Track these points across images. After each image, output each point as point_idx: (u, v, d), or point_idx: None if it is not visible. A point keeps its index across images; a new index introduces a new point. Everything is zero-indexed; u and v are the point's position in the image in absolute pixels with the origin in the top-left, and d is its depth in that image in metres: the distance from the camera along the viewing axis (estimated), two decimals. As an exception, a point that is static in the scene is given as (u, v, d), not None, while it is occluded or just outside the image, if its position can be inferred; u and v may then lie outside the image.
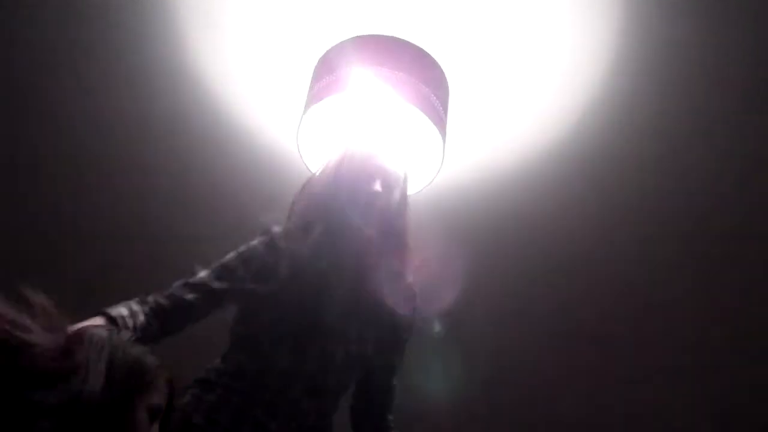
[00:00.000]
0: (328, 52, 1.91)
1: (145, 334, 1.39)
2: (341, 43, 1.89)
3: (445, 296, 2.33)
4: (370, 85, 1.76)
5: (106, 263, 2.64)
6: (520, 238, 2.50)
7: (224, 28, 2.07)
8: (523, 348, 2.78)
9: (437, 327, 2.44)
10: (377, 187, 1.57)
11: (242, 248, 1.58)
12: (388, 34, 1.94)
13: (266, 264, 1.55)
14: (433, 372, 2.53)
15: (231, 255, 1.57)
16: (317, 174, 1.69)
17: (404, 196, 1.65)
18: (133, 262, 2.60)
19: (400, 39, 1.91)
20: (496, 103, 2.18)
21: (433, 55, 1.94)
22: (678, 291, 2.59)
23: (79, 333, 1.21)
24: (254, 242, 1.59)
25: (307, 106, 1.84)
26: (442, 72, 1.94)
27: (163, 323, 1.46)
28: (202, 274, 1.53)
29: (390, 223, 1.60)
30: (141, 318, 1.42)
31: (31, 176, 2.48)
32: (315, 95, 1.81)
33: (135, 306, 1.43)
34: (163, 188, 2.46)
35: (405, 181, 1.66)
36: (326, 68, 1.85)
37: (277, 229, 1.61)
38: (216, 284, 1.51)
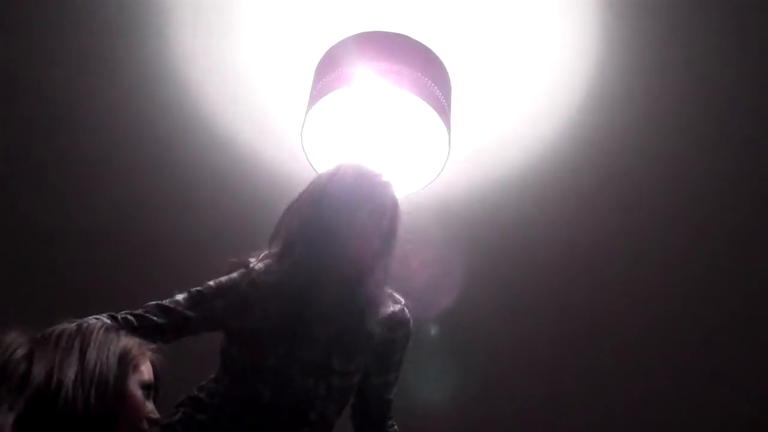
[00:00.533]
0: (330, 50, 1.90)
1: None
2: (343, 40, 1.88)
3: (445, 296, 2.33)
4: (373, 80, 1.75)
5: (105, 266, 2.63)
6: (520, 237, 2.48)
7: (227, 25, 2.06)
8: (523, 348, 2.77)
9: (436, 326, 2.45)
10: (364, 216, 1.52)
11: (222, 279, 1.56)
12: (390, 31, 1.93)
13: (244, 297, 1.52)
14: (431, 372, 2.52)
15: (209, 284, 1.55)
16: (304, 195, 1.62)
17: (395, 220, 1.57)
18: (134, 264, 2.59)
19: (402, 35, 1.91)
20: (496, 102, 2.17)
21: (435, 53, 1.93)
22: (679, 290, 2.58)
23: (44, 334, 1.27)
24: (234, 275, 1.56)
25: (311, 103, 1.83)
26: (444, 68, 1.94)
27: None
28: (179, 297, 1.52)
29: (377, 251, 1.54)
30: None
31: (30, 180, 2.47)
32: (319, 92, 1.81)
33: (106, 320, 1.42)
34: (165, 185, 2.44)
35: (395, 207, 1.58)
36: (329, 65, 1.85)
37: (254, 261, 1.57)
38: (188, 312, 1.49)
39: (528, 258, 2.52)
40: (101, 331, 1.29)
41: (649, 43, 2.00)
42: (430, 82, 1.76)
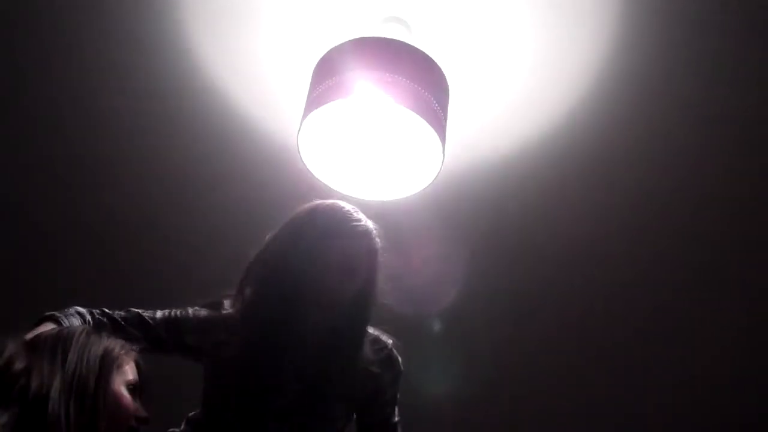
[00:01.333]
0: (327, 54, 1.90)
1: None
2: (341, 45, 1.87)
3: (445, 295, 2.33)
4: (370, 90, 1.75)
5: (106, 264, 2.66)
6: (520, 237, 2.51)
7: (227, 29, 2.08)
8: (523, 347, 2.80)
9: (436, 326, 2.44)
10: (334, 272, 1.46)
11: (199, 315, 1.55)
12: (387, 37, 1.93)
13: (216, 341, 1.52)
14: (432, 371, 2.52)
15: (188, 314, 1.54)
16: (275, 241, 1.55)
17: (371, 270, 1.51)
18: (134, 264, 2.61)
19: (401, 42, 1.90)
20: (495, 102, 2.18)
21: (431, 55, 1.91)
22: (678, 288, 2.60)
23: (32, 342, 1.29)
24: (207, 316, 1.55)
25: (308, 110, 1.83)
26: (442, 74, 1.93)
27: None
28: (158, 315, 1.53)
29: (351, 301, 1.50)
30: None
31: (34, 177, 2.49)
32: (315, 99, 1.81)
33: (87, 317, 1.45)
34: (163, 193, 2.47)
35: (372, 255, 1.51)
36: (326, 71, 1.84)
37: (227, 303, 1.56)
38: (163, 334, 1.51)
39: (528, 254, 2.54)
40: (82, 335, 1.31)
41: (648, 37, 2.01)
42: (427, 93, 1.76)
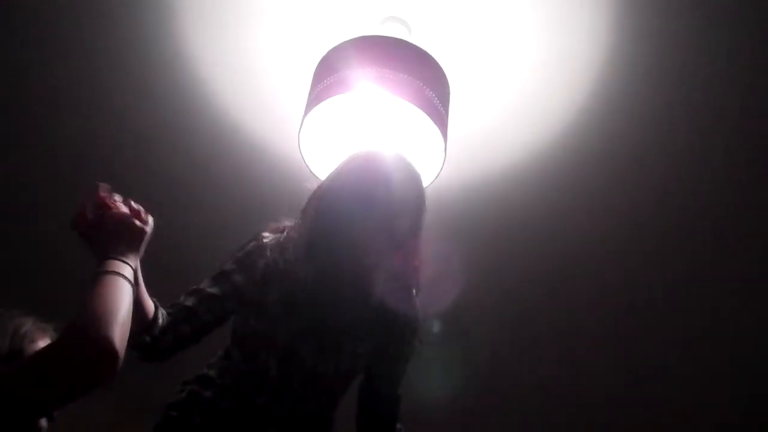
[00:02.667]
0: (328, 53, 1.91)
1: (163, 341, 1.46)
2: (342, 43, 1.89)
3: (446, 296, 2.33)
4: (371, 86, 1.76)
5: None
6: (520, 237, 2.51)
7: (225, 30, 2.08)
8: (523, 347, 2.79)
9: (437, 327, 2.44)
10: (379, 192, 1.52)
11: (239, 254, 1.58)
12: (388, 35, 1.95)
13: (263, 273, 1.54)
14: (432, 372, 2.51)
15: (228, 261, 1.57)
16: (325, 179, 1.65)
17: (416, 198, 1.60)
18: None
19: (400, 39, 1.92)
20: (496, 102, 2.19)
21: (432, 55, 1.93)
22: (679, 289, 2.60)
23: None
24: (252, 250, 1.58)
25: (309, 107, 1.84)
26: (442, 72, 1.94)
27: (175, 331, 1.49)
28: (204, 282, 1.55)
29: (393, 229, 1.56)
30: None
31: (32, 177, 2.50)
32: (316, 96, 1.81)
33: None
34: (164, 189, 2.46)
35: (416, 181, 1.61)
36: (327, 69, 1.85)
37: (272, 236, 1.59)
38: (212, 290, 1.52)
39: (529, 255, 2.54)
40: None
41: (654, 38, 2.01)
42: (428, 89, 1.77)
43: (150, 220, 1.33)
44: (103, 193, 1.29)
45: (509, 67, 2.10)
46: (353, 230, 1.53)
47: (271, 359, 1.50)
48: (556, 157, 2.30)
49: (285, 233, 1.60)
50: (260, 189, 2.40)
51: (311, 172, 1.94)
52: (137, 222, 1.30)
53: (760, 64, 2.03)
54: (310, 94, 1.88)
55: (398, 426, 1.67)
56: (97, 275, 1.21)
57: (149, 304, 1.47)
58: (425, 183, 1.93)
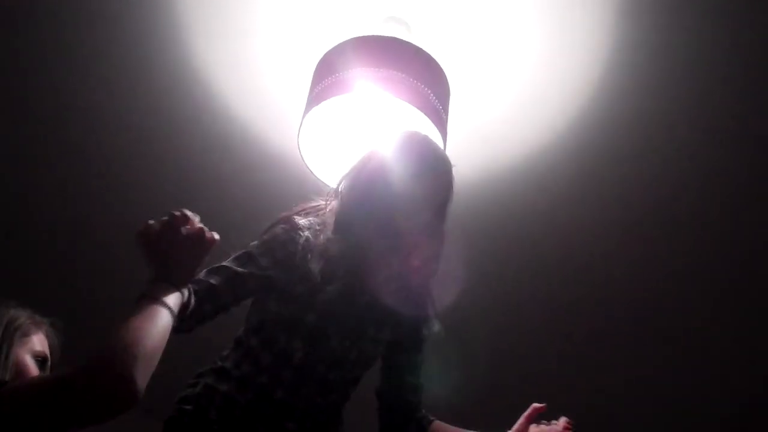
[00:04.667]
0: (328, 53, 1.91)
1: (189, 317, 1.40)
2: (341, 44, 1.89)
3: (446, 296, 2.32)
4: (370, 86, 1.76)
5: (106, 263, 2.66)
6: (522, 239, 2.51)
7: (226, 30, 2.08)
8: (523, 348, 2.80)
9: (437, 327, 2.43)
10: (417, 176, 1.54)
11: (266, 236, 1.55)
12: (387, 35, 1.95)
13: (290, 254, 1.51)
14: (432, 372, 2.53)
15: (255, 243, 1.54)
16: (364, 162, 1.61)
17: (444, 206, 1.62)
18: (134, 264, 2.59)
19: (400, 39, 1.92)
20: (495, 102, 2.19)
21: (432, 55, 1.93)
22: (679, 289, 2.60)
23: None
24: (278, 232, 1.54)
25: (308, 107, 1.84)
26: (442, 72, 1.94)
27: (198, 311, 1.43)
28: (228, 261, 1.51)
29: (424, 214, 1.58)
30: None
31: (33, 177, 2.50)
32: (316, 97, 1.82)
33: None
34: (163, 190, 2.47)
35: (446, 193, 1.62)
36: (326, 69, 1.85)
37: (301, 221, 1.57)
38: (238, 269, 1.48)
39: (530, 256, 2.54)
40: None
41: (656, 37, 2.01)
42: (427, 90, 1.77)
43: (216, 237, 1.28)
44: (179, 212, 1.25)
45: (509, 67, 2.10)
46: (387, 212, 1.53)
47: (296, 342, 1.48)
48: (556, 158, 2.30)
49: (314, 215, 1.58)
50: (260, 189, 2.40)
51: (311, 172, 1.94)
52: (207, 234, 1.25)
53: (759, 65, 2.04)
54: (309, 94, 1.88)
55: (422, 412, 1.67)
56: (138, 300, 1.17)
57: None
58: None
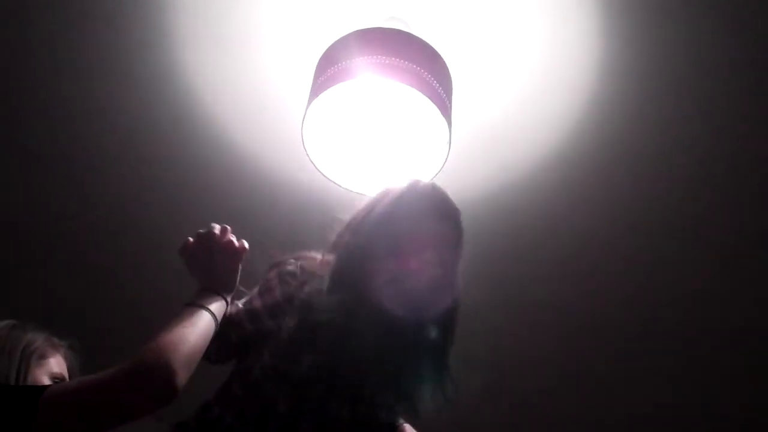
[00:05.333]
0: (330, 46, 1.90)
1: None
2: (344, 36, 1.87)
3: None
4: (373, 74, 1.74)
5: (104, 267, 2.63)
6: (522, 239, 2.49)
7: (226, 31, 2.07)
8: (523, 348, 2.77)
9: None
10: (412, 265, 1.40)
11: (261, 289, 1.46)
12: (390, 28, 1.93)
13: (284, 299, 1.42)
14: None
15: (256, 305, 1.44)
16: (359, 211, 1.50)
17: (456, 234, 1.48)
18: (132, 268, 2.59)
19: (402, 31, 1.90)
20: (496, 102, 2.17)
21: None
22: (682, 292, 2.57)
23: None
24: (270, 275, 1.46)
25: (311, 98, 1.83)
26: (445, 65, 1.93)
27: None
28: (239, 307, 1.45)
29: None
30: None
31: (30, 179, 2.48)
32: (318, 87, 1.80)
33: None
34: (164, 186, 2.45)
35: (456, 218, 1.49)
36: (329, 61, 1.84)
37: (293, 262, 1.47)
38: (248, 326, 1.43)
39: (530, 257, 2.51)
40: (4, 330, 1.33)
41: (655, 38, 2.00)
42: (431, 77, 1.76)
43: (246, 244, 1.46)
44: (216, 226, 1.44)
45: (510, 67, 2.09)
46: (386, 268, 1.39)
47: (280, 395, 1.35)
48: (557, 158, 2.28)
49: (310, 264, 1.47)
50: (263, 184, 2.37)
51: (314, 166, 1.92)
52: (239, 243, 1.44)
53: (759, 66, 2.02)
54: (312, 86, 1.87)
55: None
56: (183, 307, 1.29)
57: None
58: (431, 174, 1.91)
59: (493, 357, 2.69)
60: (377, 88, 1.79)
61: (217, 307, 1.33)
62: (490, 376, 2.64)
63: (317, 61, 1.93)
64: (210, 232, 1.40)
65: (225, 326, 1.41)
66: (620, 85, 2.10)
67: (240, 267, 1.43)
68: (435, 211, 1.47)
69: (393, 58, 1.74)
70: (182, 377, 1.14)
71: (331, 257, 1.44)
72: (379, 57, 1.75)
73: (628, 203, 2.36)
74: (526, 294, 2.61)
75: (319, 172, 1.94)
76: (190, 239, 1.40)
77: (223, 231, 1.43)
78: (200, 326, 1.24)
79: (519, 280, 2.58)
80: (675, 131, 2.19)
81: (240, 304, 1.47)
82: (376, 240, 1.41)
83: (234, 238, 1.43)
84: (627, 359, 2.79)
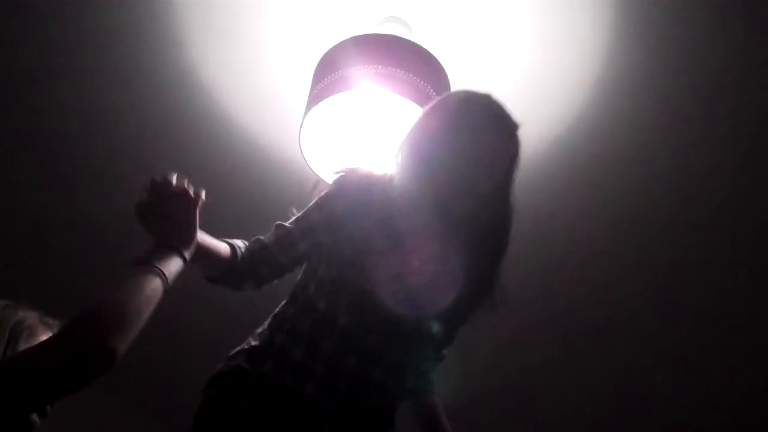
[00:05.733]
0: (328, 52, 1.91)
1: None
2: (341, 42, 1.89)
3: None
4: (371, 83, 1.76)
5: (104, 263, 2.63)
6: (522, 240, 2.48)
7: (226, 31, 2.09)
8: (524, 351, 2.81)
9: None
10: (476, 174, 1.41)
11: (326, 208, 1.44)
12: (388, 34, 1.96)
13: (341, 218, 1.41)
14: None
15: (313, 211, 1.45)
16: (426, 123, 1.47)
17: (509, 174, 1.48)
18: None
19: (400, 37, 1.93)
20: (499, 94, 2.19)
21: (432, 53, 1.94)
22: (679, 288, 2.60)
23: None
24: (336, 203, 1.43)
25: (309, 105, 1.84)
26: (442, 69, 1.95)
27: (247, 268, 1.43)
28: (290, 228, 1.44)
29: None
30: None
31: (32, 176, 2.51)
32: (317, 95, 1.82)
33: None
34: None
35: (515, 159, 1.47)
36: (327, 68, 1.86)
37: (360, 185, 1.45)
38: (291, 226, 1.44)
39: (530, 257, 2.53)
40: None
41: (659, 32, 2.01)
42: (427, 86, 1.77)
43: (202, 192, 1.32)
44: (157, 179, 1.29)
45: (509, 67, 2.11)
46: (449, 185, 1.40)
47: (341, 305, 1.37)
48: (556, 158, 2.31)
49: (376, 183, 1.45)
50: (261, 189, 2.41)
51: (312, 171, 1.95)
52: (191, 190, 1.30)
53: (758, 66, 2.05)
54: (310, 93, 1.88)
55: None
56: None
57: (222, 250, 1.41)
58: None
59: (491, 358, 2.74)
60: (374, 97, 1.81)
61: (172, 266, 1.23)
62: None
63: (316, 63, 1.95)
64: (158, 183, 1.27)
65: (274, 248, 1.42)
66: (618, 85, 2.12)
67: (197, 220, 1.30)
68: (495, 120, 1.44)
69: (390, 68, 1.75)
70: (120, 346, 1.06)
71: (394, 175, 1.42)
72: (377, 66, 1.76)
73: (622, 198, 2.38)
74: (526, 293, 2.63)
75: (316, 174, 1.96)
76: (145, 194, 1.29)
77: (168, 180, 1.29)
78: (147, 290, 1.14)
79: (517, 279, 2.58)
80: (671, 127, 2.21)
81: (287, 224, 1.46)
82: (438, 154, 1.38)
83: (190, 188, 1.29)
84: (627, 357, 2.80)
